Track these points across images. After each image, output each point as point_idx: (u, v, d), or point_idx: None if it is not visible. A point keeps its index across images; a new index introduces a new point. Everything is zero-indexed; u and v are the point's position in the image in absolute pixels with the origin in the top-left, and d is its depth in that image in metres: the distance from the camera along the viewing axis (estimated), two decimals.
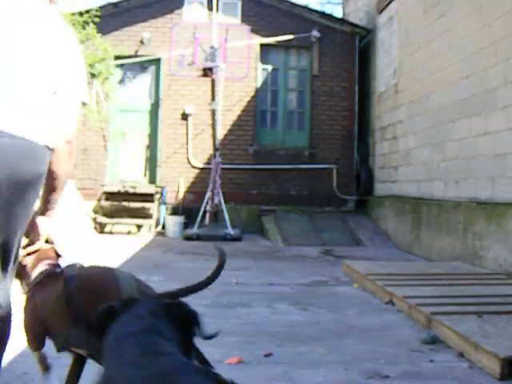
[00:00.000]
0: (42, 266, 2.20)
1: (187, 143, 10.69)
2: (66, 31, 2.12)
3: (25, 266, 2.22)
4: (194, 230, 9.09)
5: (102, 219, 9.95)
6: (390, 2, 9.88)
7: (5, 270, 1.98)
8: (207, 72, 9.08)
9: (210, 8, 10.64)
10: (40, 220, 2.20)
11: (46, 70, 1.98)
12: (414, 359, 3.12)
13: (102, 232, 9.75)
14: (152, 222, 9.93)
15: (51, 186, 2.10)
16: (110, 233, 9.75)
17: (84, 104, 2.17)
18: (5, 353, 2.07)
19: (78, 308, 2.02)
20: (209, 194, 9.38)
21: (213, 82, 9.15)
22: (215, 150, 9.55)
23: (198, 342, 1.52)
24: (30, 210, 2.02)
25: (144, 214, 10.05)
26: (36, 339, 2.20)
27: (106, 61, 8.90)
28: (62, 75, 2.03)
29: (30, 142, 1.82)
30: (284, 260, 7.38)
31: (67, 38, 2.10)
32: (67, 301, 2.04)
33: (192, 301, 4.67)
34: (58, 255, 2.31)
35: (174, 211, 10.18)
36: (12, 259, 2.00)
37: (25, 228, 2.04)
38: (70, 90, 2.06)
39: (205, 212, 9.40)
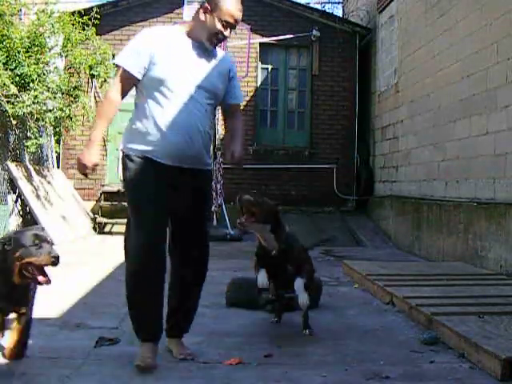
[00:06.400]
0: None
1: None
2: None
3: None
4: None
5: (101, 219, 9.93)
6: (390, 2, 9.87)
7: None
8: None
9: None
10: None
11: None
12: (415, 360, 3.10)
13: (101, 232, 9.74)
14: None
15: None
16: (110, 233, 9.73)
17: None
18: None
19: None
20: (213, 194, 9.35)
21: None
22: (216, 149, 9.53)
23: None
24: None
25: None
26: None
27: (105, 63, 8.87)
28: None
29: (208, 169, 3.56)
30: None
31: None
32: None
33: None
34: None
35: None
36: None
37: None
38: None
39: None
